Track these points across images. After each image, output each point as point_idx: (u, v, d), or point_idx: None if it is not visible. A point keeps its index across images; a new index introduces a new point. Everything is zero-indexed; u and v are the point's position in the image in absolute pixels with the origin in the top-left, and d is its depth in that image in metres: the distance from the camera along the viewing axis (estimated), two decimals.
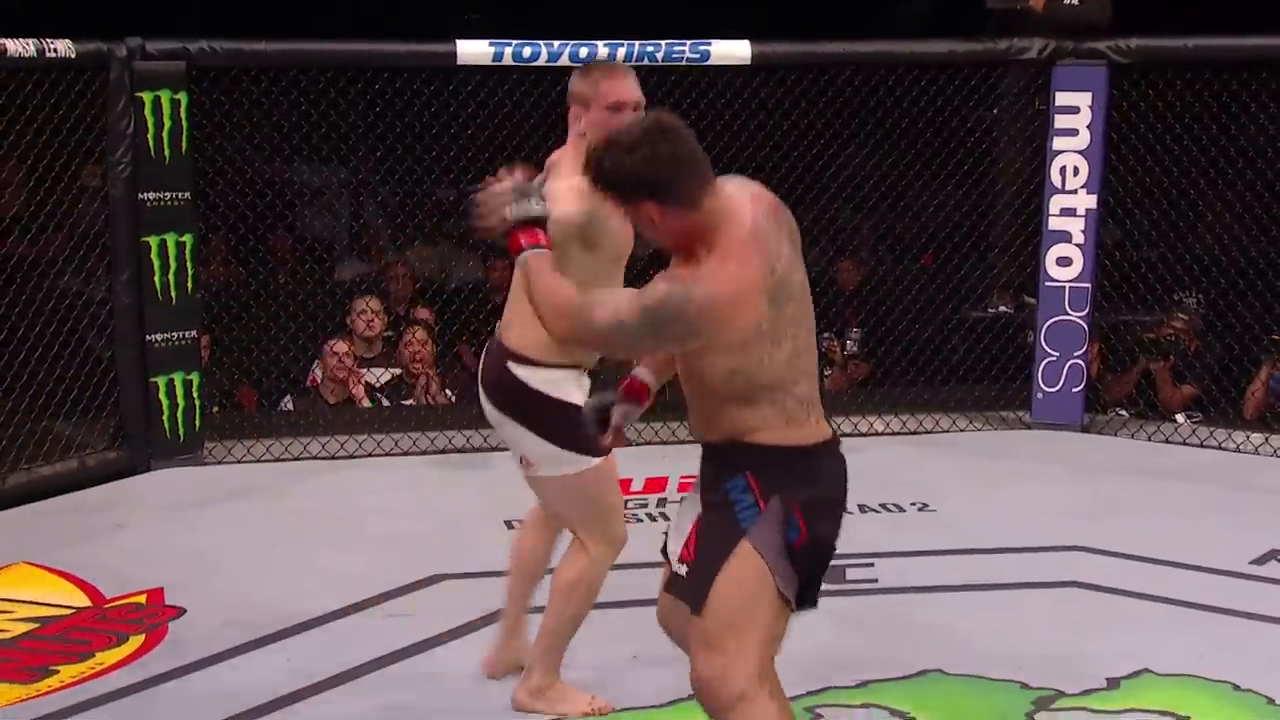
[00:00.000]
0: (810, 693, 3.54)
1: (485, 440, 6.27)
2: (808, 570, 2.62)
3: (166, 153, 5.73)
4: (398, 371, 6.79)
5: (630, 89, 3.26)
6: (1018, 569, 4.66)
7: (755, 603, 2.56)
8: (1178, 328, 6.66)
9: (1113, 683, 3.69)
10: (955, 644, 3.94)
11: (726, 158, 6.62)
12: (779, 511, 2.55)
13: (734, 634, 2.55)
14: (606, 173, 2.54)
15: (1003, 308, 7.11)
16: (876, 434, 6.44)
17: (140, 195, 5.71)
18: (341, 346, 6.58)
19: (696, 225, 2.53)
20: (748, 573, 2.55)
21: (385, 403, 6.67)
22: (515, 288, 3.30)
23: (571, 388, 3.27)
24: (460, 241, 8.19)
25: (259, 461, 5.99)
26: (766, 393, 2.55)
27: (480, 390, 3.45)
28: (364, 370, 6.73)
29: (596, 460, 3.26)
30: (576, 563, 3.39)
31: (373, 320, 6.78)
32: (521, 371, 3.28)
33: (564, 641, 3.45)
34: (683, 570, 2.64)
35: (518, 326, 3.29)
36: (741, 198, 2.59)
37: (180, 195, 5.79)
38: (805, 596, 2.64)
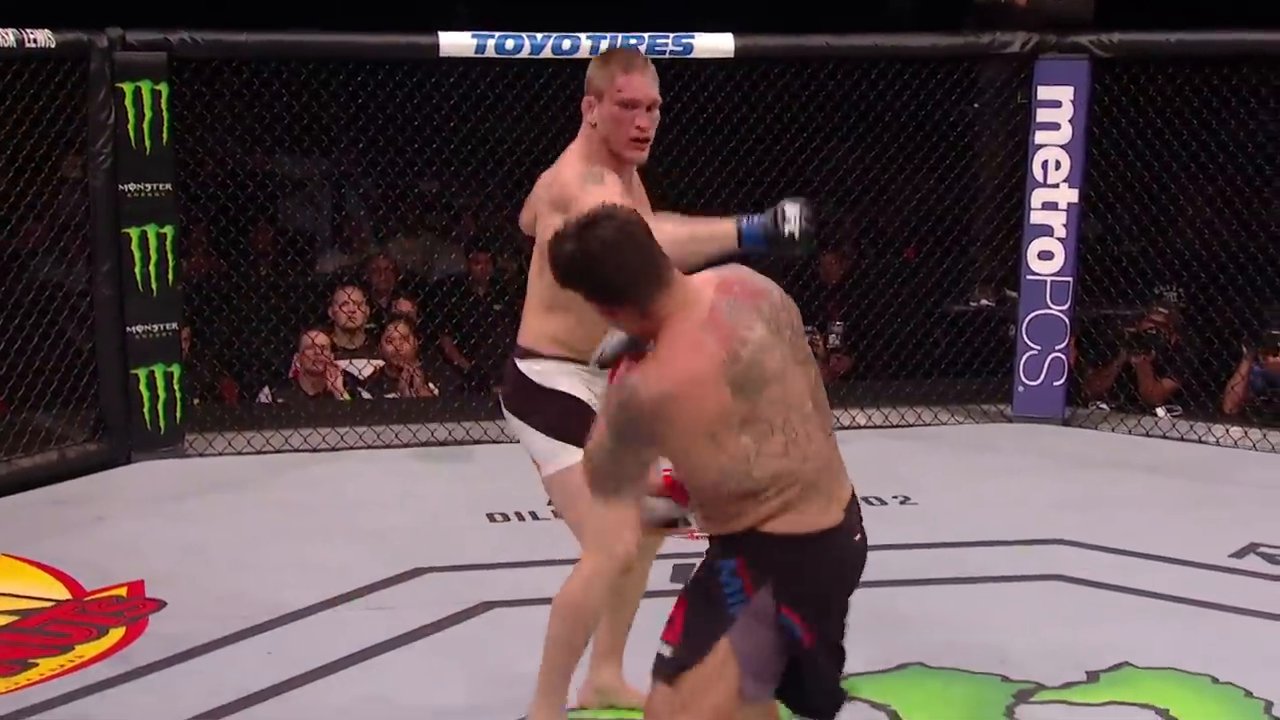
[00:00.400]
0: None
1: (467, 433, 6.28)
2: (818, 671, 2.53)
3: (147, 144, 5.71)
4: (380, 364, 6.78)
5: (646, 86, 3.10)
6: (999, 562, 4.69)
7: (713, 700, 2.49)
8: (1158, 321, 6.69)
9: (1093, 675, 3.70)
10: (937, 637, 3.96)
11: (710, 151, 6.64)
12: (768, 606, 2.47)
13: (687, 704, 2.51)
14: (557, 265, 2.50)
15: (984, 301, 7.14)
16: (859, 427, 6.45)
17: (121, 186, 5.69)
18: (320, 338, 6.57)
19: (646, 325, 2.47)
20: (713, 673, 2.48)
21: (366, 395, 6.67)
22: (528, 281, 3.23)
23: (562, 378, 3.15)
24: (443, 234, 8.19)
25: (240, 454, 5.97)
26: (769, 488, 2.45)
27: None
28: (346, 362, 6.72)
29: None
30: (569, 582, 3.16)
31: (354, 312, 6.77)
32: (521, 364, 3.20)
33: (556, 672, 3.18)
34: (666, 652, 2.56)
35: (523, 320, 3.22)
36: (705, 285, 2.50)
37: (161, 186, 5.77)
38: (814, 701, 2.59)
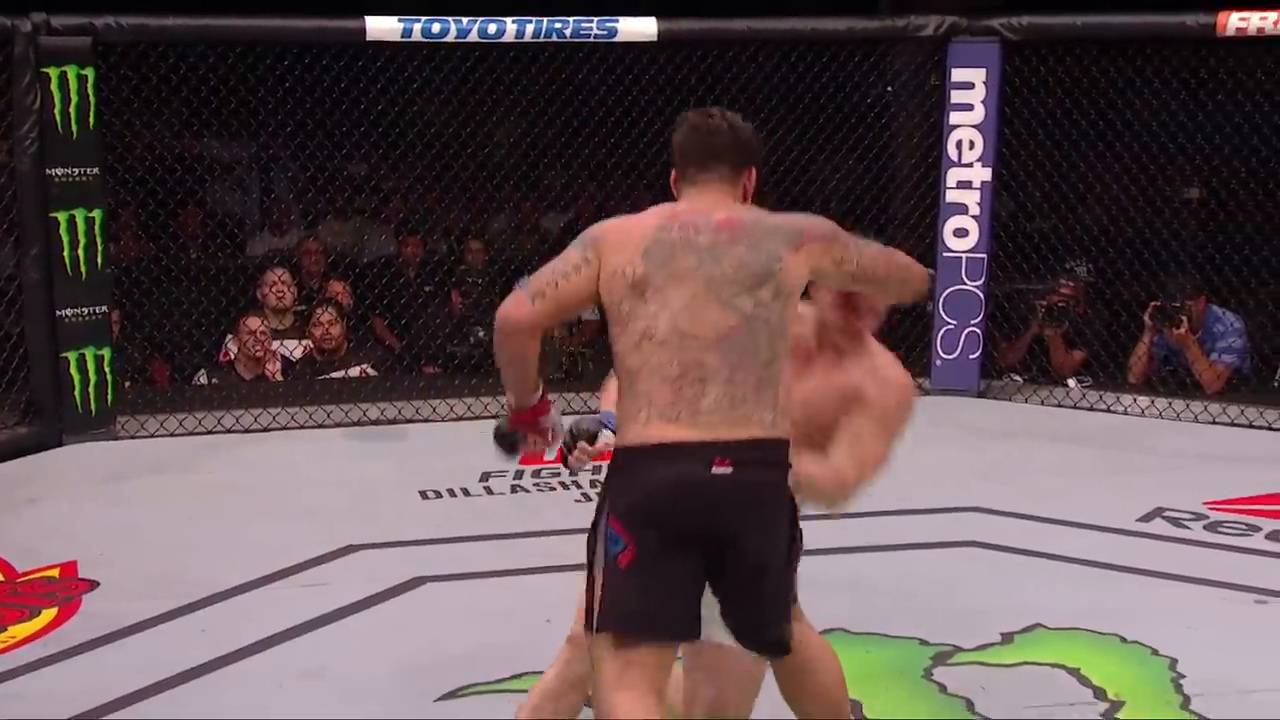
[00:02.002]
0: None
1: (399, 413, 6.35)
2: (658, 591, 2.52)
3: (74, 128, 5.71)
4: (309, 344, 6.83)
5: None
6: (917, 530, 4.80)
7: (590, 623, 2.58)
8: (1066, 295, 6.88)
9: (1007, 637, 3.81)
10: (857, 603, 4.04)
11: (635, 133, 6.73)
12: (602, 524, 2.57)
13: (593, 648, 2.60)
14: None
15: None
16: None
17: (48, 171, 5.69)
18: (255, 323, 6.60)
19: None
20: (587, 594, 2.62)
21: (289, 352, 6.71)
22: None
23: None
24: (372, 216, 8.22)
25: (173, 436, 6.00)
26: (640, 394, 2.53)
27: None
28: (277, 344, 6.76)
29: None
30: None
31: (284, 293, 6.80)
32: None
33: None
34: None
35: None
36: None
37: (89, 171, 5.77)
38: (671, 620, 2.56)
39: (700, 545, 2.54)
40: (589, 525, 2.63)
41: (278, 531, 4.72)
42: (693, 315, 2.55)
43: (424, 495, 5.21)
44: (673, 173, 2.75)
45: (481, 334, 7.11)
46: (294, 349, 6.82)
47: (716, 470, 2.49)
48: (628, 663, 2.53)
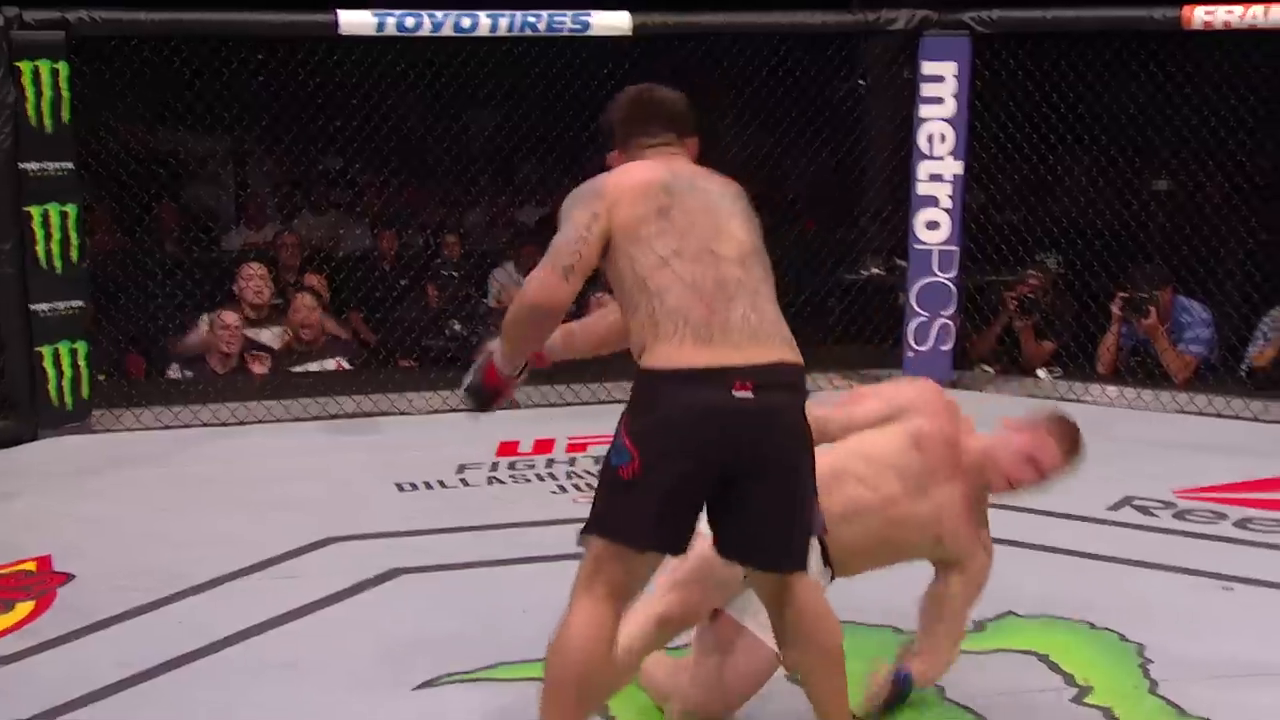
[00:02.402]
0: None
1: (375, 405, 6.36)
2: (649, 506, 2.56)
3: (48, 123, 5.70)
4: (289, 335, 6.84)
5: None
6: None
7: (592, 526, 2.65)
8: (1034, 285, 6.94)
9: (979, 625, 3.81)
10: (830, 592, 4.04)
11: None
12: (621, 434, 2.59)
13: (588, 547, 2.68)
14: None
15: (875, 270, 7.34)
16: None
17: (22, 165, 5.69)
18: (230, 317, 6.60)
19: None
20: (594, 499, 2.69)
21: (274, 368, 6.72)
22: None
23: None
24: (348, 210, 8.24)
25: (148, 429, 6.00)
26: (660, 317, 2.57)
27: None
28: (254, 331, 6.76)
29: None
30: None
31: (261, 288, 6.80)
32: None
33: None
34: None
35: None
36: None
37: (62, 165, 5.77)
38: (657, 536, 2.61)
39: (715, 470, 2.58)
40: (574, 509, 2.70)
41: (253, 524, 4.72)
42: (719, 234, 2.65)
43: (400, 487, 5.23)
44: (611, 154, 2.82)
45: (457, 327, 7.13)
46: (272, 340, 6.83)
47: (738, 394, 2.53)
48: (599, 569, 2.61)
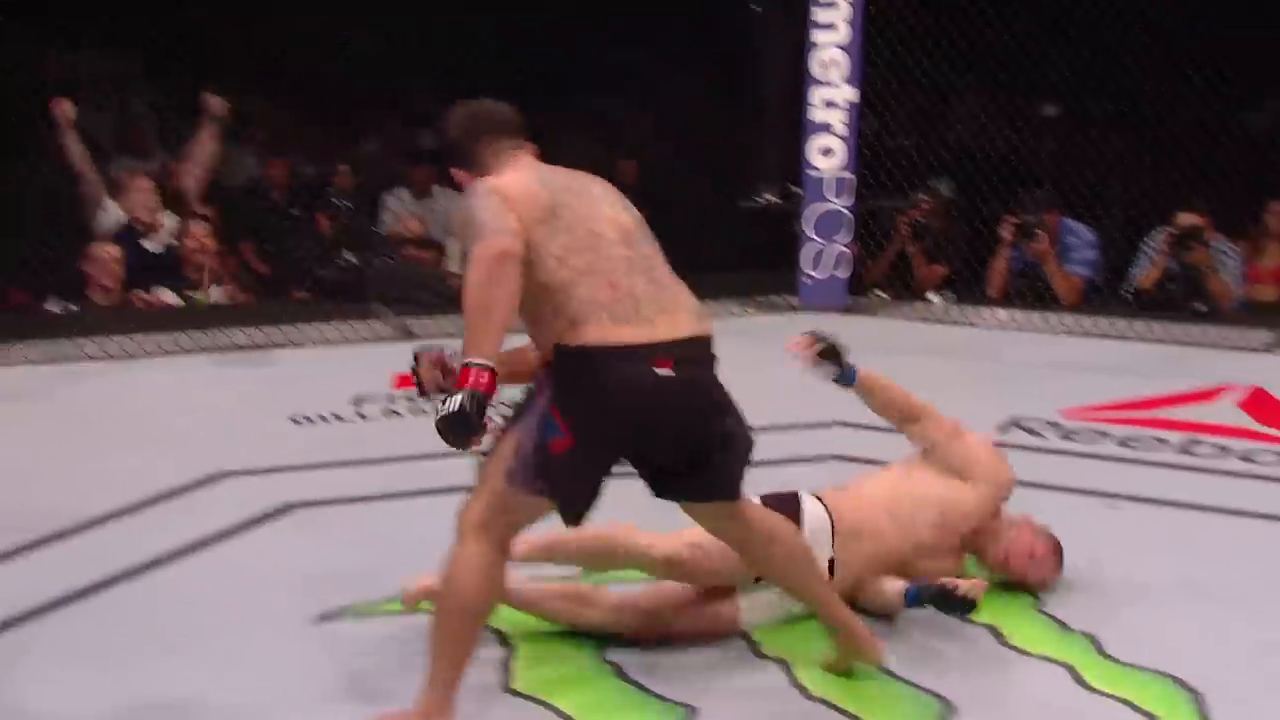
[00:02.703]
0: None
1: (268, 338, 6.27)
2: (581, 478, 2.70)
3: None
4: (173, 239, 6.72)
5: None
6: (781, 445, 4.85)
7: (496, 473, 2.74)
8: (925, 209, 7.02)
9: None
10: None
11: (494, 49, 6.67)
12: (544, 409, 2.69)
13: (479, 485, 2.77)
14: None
15: (771, 198, 7.37)
16: None
17: None
18: (112, 250, 6.46)
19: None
20: (497, 458, 2.75)
21: (168, 300, 6.60)
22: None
23: None
24: (236, 140, 8.06)
25: (32, 364, 5.87)
26: (569, 301, 2.67)
27: None
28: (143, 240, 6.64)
29: None
30: None
31: (150, 203, 6.67)
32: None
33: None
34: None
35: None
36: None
37: None
38: (586, 503, 2.74)
39: (642, 443, 2.73)
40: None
41: (142, 460, 4.63)
42: (600, 220, 2.76)
43: (295, 421, 5.17)
44: (461, 172, 2.91)
45: (351, 258, 7.05)
46: (156, 248, 6.70)
47: (660, 371, 2.65)
48: (503, 513, 2.72)
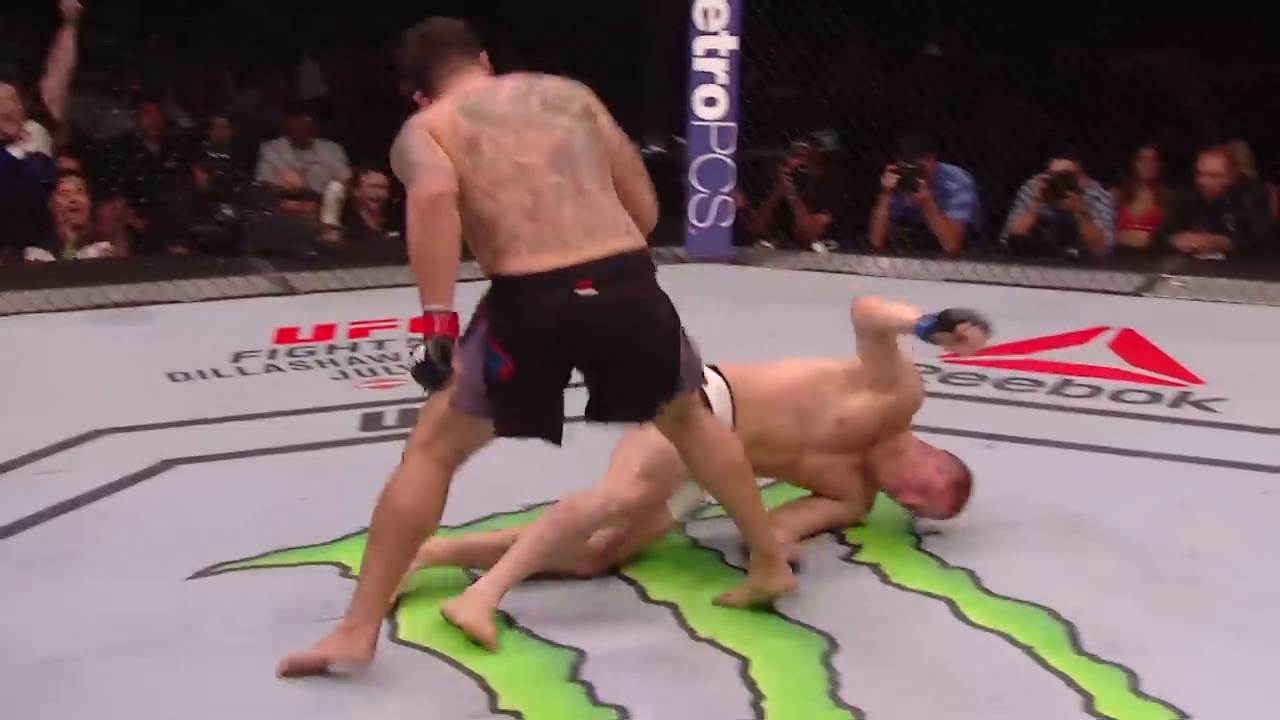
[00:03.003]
0: (479, 519, 3.66)
1: (144, 294, 6.15)
2: (530, 402, 2.79)
3: None
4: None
5: None
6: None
7: (437, 406, 2.82)
8: (803, 157, 7.08)
9: None
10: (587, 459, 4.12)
11: None
12: (480, 337, 2.78)
13: (425, 407, 2.85)
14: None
15: (655, 148, 7.37)
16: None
17: None
18: None
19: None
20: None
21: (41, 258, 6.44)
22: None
23: None
24: (105, 89, 7.85)
25: None
26: (497, 232, 2.73)
27: None
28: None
29: None
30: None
31: (9, 108, 6.51)
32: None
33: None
34: None
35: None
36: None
37: None
38: (540, 427, 2.83)
39: (580, 362, 2.84)
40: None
41: (14, 418, 4.52)
42: (522, 145, 2.76)
43: (172, 377, 5.09)
44: (416, 94, 2.92)
45: (228, 211, 6.92)
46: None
47: (581, 293, 2.73)
48: (445, 433, 2.79)
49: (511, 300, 2.75)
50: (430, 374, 2.64)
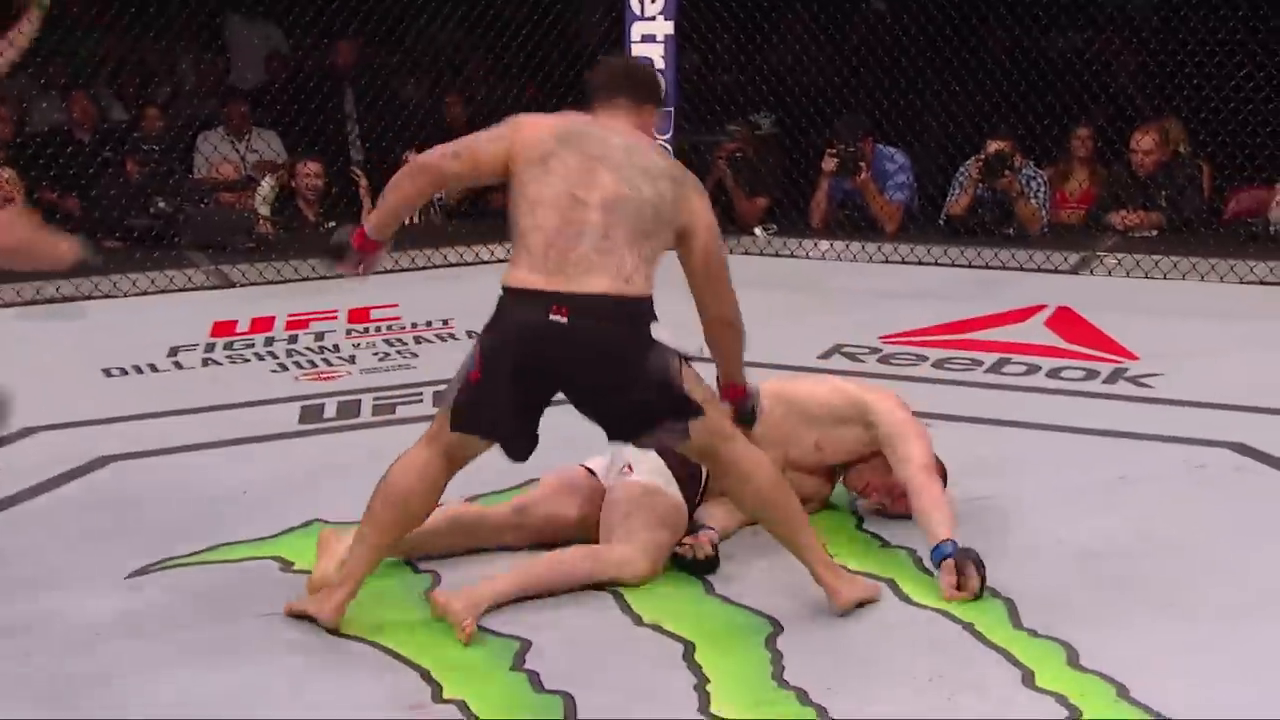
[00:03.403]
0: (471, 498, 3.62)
1: (77, 289, 6.07)
2: (489, 407, 2.90)
3: None
4: None
5: None
6: None
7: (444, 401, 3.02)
8: (740, 143, 7.09)
9: None
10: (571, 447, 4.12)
11: None
12: (475, 340, 2.96)
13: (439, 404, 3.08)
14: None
15: None
16: (481, 262, 6.63)
17: None
18: None
19: None
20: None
21: None
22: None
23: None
24: (35, 82, 7.72)
25: None
26: (519, 241, 2.90)
27: None
28: None
29: None
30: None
31: None
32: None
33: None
34: None
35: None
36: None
37: None
38: (497, 433, 2.93)
39: (542, 378, 2.91)
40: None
41: None
42: (589, 182, 2.88)
43: (108, 373, 5.03)
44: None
45: (162, 204, 6.84)
46: None
47: (553, 318, 2.83)
48: (440, 436, 2.96)
49: (498, 309, 2.91)
50: (332, 246, 3.15)
